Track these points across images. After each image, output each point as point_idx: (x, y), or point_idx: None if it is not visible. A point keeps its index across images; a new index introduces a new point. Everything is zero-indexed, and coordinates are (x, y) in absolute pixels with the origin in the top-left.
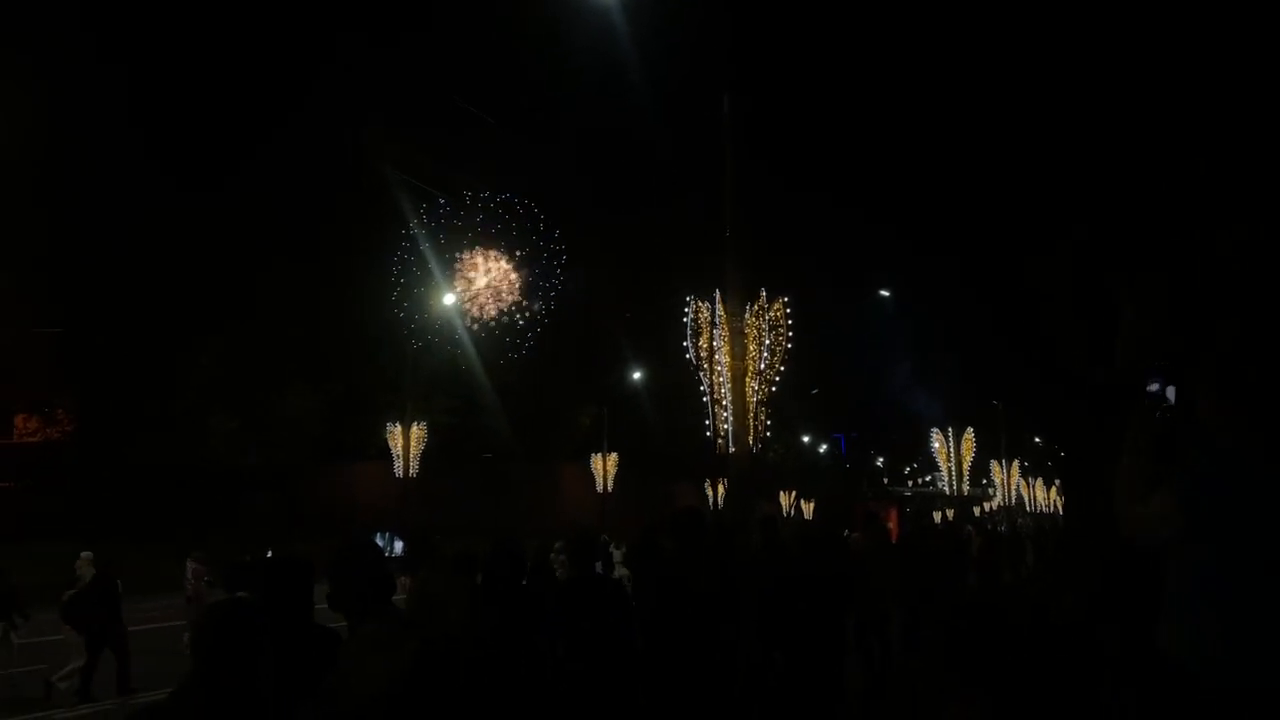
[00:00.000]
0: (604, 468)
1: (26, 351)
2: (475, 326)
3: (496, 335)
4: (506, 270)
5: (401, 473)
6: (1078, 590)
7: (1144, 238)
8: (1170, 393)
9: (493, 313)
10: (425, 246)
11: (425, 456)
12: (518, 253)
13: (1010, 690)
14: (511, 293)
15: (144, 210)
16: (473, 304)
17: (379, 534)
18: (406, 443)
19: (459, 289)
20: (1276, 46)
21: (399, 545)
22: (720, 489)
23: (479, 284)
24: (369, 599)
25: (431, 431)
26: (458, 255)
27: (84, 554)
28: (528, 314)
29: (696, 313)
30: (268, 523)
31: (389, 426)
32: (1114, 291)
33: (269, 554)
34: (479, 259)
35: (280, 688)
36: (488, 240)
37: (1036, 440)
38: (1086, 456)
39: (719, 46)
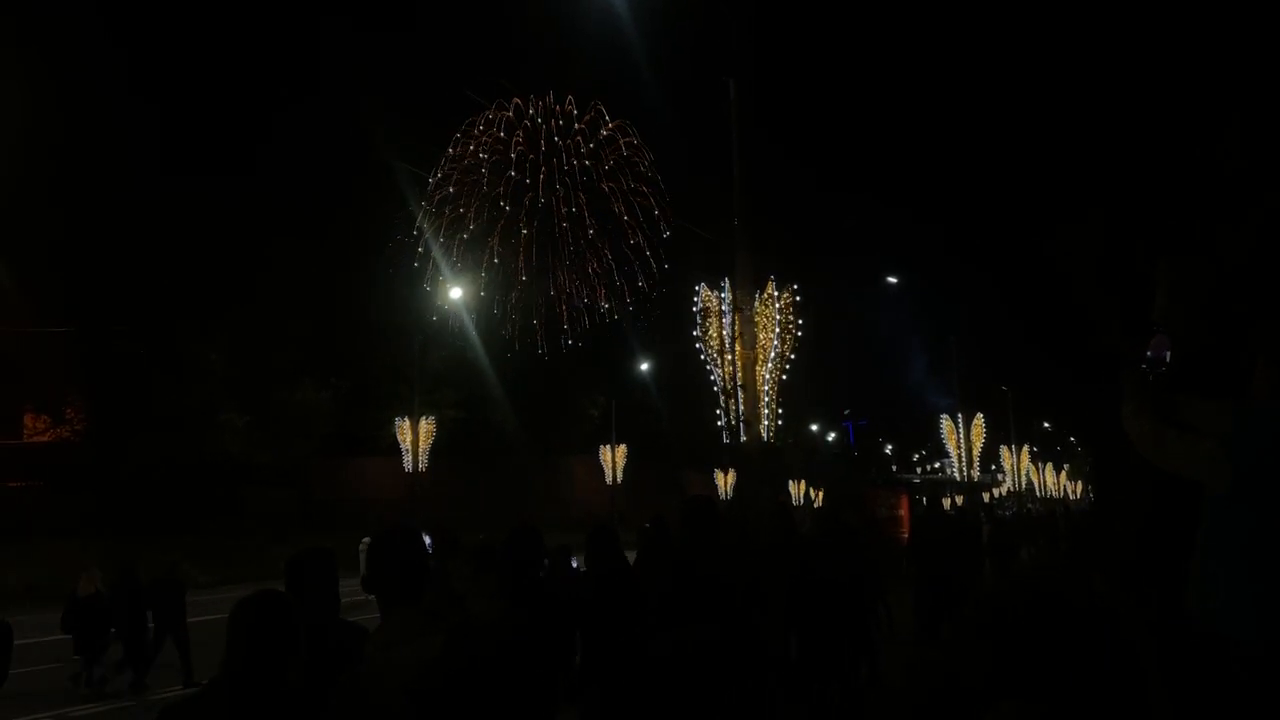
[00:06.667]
0: (613, 459)
1: (35, 350)
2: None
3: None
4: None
5: (411, 467)
6: (1108, 571)
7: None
8: (1165, 355)
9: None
10: (428, 236)
11: (434, 451)
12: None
13: (1071, 694)
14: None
15: (151, 207)
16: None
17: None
18: (415, 437)
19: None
20: None
21: (426, 540)
22: (730, 478)
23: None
24: (398, 585)
25: (440, 425)
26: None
27: None
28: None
29: (705, 301)
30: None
31: (397, 421)
32: (1151, 273)
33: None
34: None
35: (308, 681)
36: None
37: (1046, 425)
38: (1117, 434)
39: (725, 31)
